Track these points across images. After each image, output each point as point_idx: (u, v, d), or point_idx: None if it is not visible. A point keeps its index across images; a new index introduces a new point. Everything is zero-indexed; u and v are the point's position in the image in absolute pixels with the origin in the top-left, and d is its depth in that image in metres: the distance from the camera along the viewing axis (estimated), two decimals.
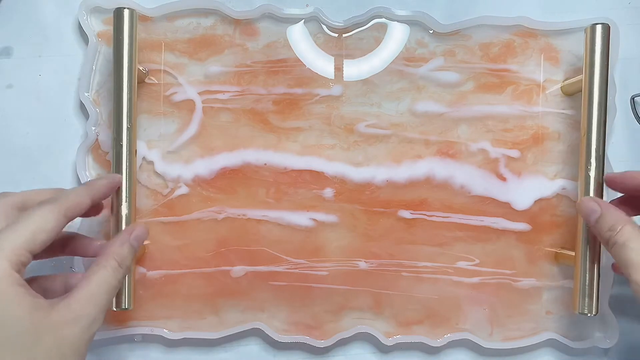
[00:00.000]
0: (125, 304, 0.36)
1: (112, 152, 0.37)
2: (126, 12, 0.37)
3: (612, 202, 0.38)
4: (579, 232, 0.37)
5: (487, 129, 0.42)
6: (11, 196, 0.33)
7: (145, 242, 0.41)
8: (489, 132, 0.42)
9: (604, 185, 0.37)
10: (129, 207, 0.37)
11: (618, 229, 0.33)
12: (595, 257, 0.37)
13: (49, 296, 0.31)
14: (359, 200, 0.41)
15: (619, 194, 0.38)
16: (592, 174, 0.37)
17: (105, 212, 0.37)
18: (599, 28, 0.37)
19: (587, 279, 0.37)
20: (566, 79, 0.42)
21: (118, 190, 0.37)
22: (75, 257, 0.40)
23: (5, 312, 0.27)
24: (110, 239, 0.36)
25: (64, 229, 0.32)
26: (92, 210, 0.36)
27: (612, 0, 0.43)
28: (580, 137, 0.38)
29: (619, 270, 0.36)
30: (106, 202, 0.37)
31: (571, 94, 0.41)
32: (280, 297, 0.41)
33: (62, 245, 0.35)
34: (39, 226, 0.29)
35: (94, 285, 0.30)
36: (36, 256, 0.31)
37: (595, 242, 0.37)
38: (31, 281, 0.33)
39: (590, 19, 0.40)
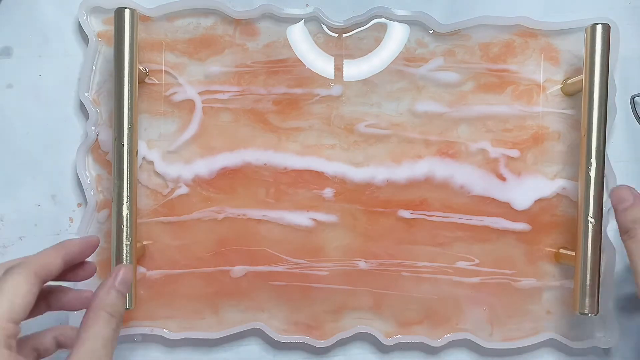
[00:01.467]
0: (127, 304, 0.36)
1: (113, 152, 0.37)
2: (127, 12, 0.37)
3: None
4: (580, 232, 0.37)
5: (487, 129, 0.42)
6: None
7: (146, 242, 0.41)
8: (489, 132, 0.42)
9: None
10: (130, 208, 0.37)
11: None
12: (596, 257, 0.37)
13: (42, 355, 0.30)
14: (359, 200, 0.41)
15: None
16: (593, 173, 0.37)
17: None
18: (599, 28, 0.37)
19: (588, 279, 0.37)
20: (566, 79, 0.42)
21: (119, 190, 0.37)
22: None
23: None
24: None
25: (49, 284, 0.31)
26: (72, 275, 0.34)
27: (612, 0, 0.43)
28: (580, 137, 0.38)
29: None
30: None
31: (571, 94, 0.41)
32: (280, 297, 0.41)
33: (45, 302, 0.34)
34: (14, 293, 0.28)
35: (89, 342, 0.29)
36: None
37: (596, 242, 0.37)
38: (20, 343, 0.32)
39: (590, 19, 0.40)
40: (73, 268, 0.34)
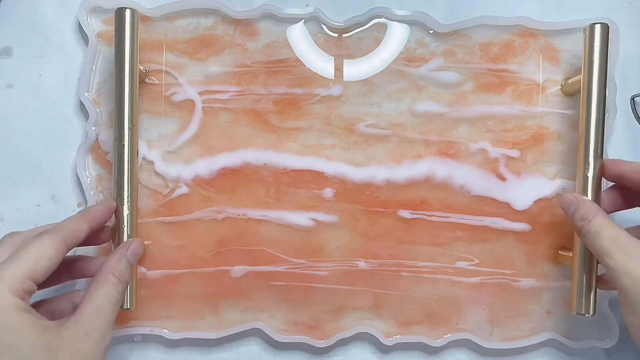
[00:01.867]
0: (127, 304, 0.36)
1: (114, 152, 0.37)
2: (128, 12, 0.37)
3: (605, 190, 0.38)
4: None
5: (487, 129, 0.42)
6: (17, 234, 0.34)
7: (146, 242, 0.41)
8: (489, 132, 0.42)
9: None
10: (131, 208, 0.37)
11: (589, 219, 0.34)
12: (593, 258, 0.37)
13: (58, 318, 0.32)
14: (359, 200, 0.41)
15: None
16: (590, 174, 0.37)
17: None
18: (597, 28, 0.37)
19: (585, 279, 0.37)
20: (566, 79, 0.42)
21: (119, 190, 0.37)
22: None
23: (16, 338, 0.28)
24: (112, 245, 0.37)
25: (69, 254, 0.33)
26: (95, 238, 0.37)
27: (612, 0, 0.43)
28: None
29: (601, 283, 0.37)
30: (108, 230, 0.38)
31: (571, 94, 0.41)
32: (280, 297, 0.41)
33: (67, 270, 0.36)
34: (39, 254, 0.30)
35: (98, 300, 0.32)
36: (44, 285, 0.32)
37: None
38: (37, 306, 0.34)
39: (590, 19, 0.40)
40: (95, 232, 0.36)
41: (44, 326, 0.29)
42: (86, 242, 0.35)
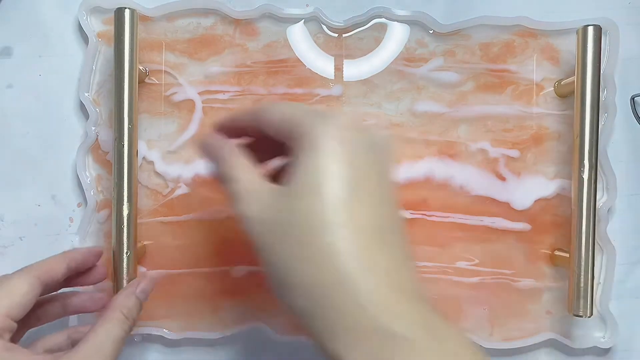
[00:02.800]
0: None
1: (114, 152, 0.37)
2: (127, 12, 0.37)
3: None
4: (573, 233, 0.37)
5: (487, 129, 0.42)
6: None
7: (146, 242, 0.41)
8: (489, 132, 0.42)
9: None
10: (130, 208, 0.37)
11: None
12: (590, 259, 0.37)
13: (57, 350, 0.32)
14: None
15: None
16: (585, 175, 0.37)
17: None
18: (590, 30, 0.37)
19: (582, 281, 0.37)
20: (558, 81, 0.41)
21: (119, 190, 0.37)
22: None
23: None
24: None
25: (64, 290, 0.34)
26: (86, 279, 0.36)
27: (612, 0, 0.43)
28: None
29: None
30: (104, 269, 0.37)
31: (564, 95, 0.41)
32: None
33: (62, 306, 0.36)
34: (11, 291, 0.30)
35: (100, 337, 0.30)
36: (37, 322, 0.33)
37: (590, 243, 0.37)
38: (34, 344, 0.34)
39: (590, 19, 0.40)
40: (83, 273, 0.36)
41: None
42: (75, 282, 0.35)
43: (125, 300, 0.33)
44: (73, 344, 0.34)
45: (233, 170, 0.29)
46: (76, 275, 0.35)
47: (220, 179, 0.30)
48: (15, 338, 0.31)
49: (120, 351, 0.31)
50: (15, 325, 0.30)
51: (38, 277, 0.31)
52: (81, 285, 0.36)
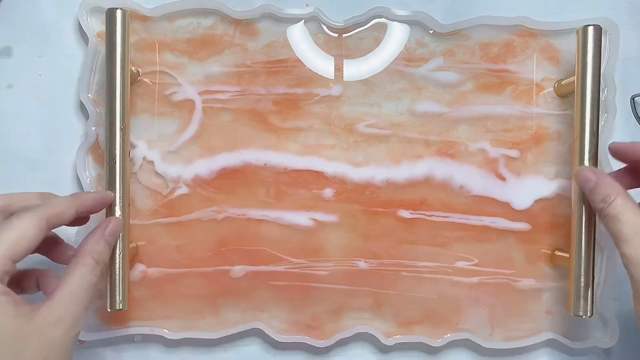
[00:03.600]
0: (119, 304, 0.36)
1: (106, 153, 0.37)
2: (119, 13, 0.37)
3: (616, 172, 0.38)
4: (574, 233, 0.37)
5: (487, 129, 0.42)
6: (2, 198, 0.33)
7: (140, 243, 0.41)
8: (489, 132, 0.42)
9: (610, 155, 0.37)
10: (123, 209, 0.36)
11: (610, 201, 0.33)
12: (590, 259, 0.37)
13: (24, 292, 0.32)
14: (359, 200, 0.41)
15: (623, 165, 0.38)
16: None
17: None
18: (590, 30, 0.37)
19: (582, 281, 0.37)
20: (558, 81, 0.41)
21: (111, 191, 0.36)
22: None
23: None
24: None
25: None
26: (77, 220, 0.35)
27: (612, 0, 0.43)
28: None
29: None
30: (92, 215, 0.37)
31: (564, 95, 0.41)
32: (280, 297, 0.41)
33: (45, 246, 0.35)
34: (21, 235, 0.29)
35: (73, 284, 0.31)
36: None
37: (590, 243, 0.37)
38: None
39: (590, 19, 0.40)
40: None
41: (18, 310, 0.29)
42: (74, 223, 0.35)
43: (95, 245, 0.33)
44: (38, 286, 0.34)
45: (619, 212, 0.32)
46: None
47: (598, 211, 0.33)
48: None
49: (94, 296, 0.32)
50: (15, 268, 0.30)
51: (48, 221, 0.31)
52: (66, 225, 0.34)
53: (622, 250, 0.32)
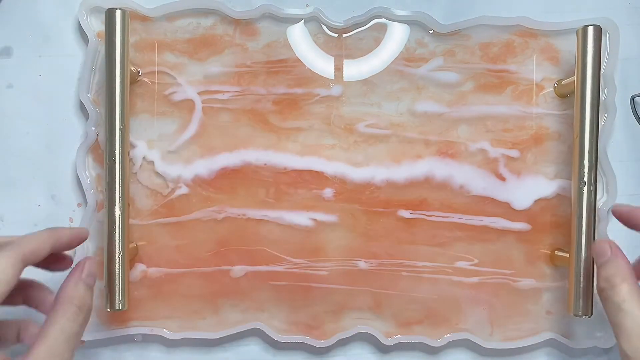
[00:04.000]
0: (118, 305, 0.36)
1: (105, 153, 0.37)
2: (118, 13, 0.37)
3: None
4: (573, 233, 0.37)
5: (487, 129, 0.42)
6: None
7: (140, 243, 0.41)
8: (489, 132, 0.42)
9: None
10: (122, 208, 0.37)
11: (615, 284, 0.31)
12: (590, 259, 0.37)
13: (3, 343, 0.30)
14: (359, 200, 0.41)
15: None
16: (585, 175, 0.37)
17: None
18: (590, 30, 0.37)
19: (582, 281, 0.37)
20: (558, 81, 0.41)
21: (111, 192, 0.36)
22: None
23: None
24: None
25: (31, 279, 0.31)
26: (57, 263, 0.34)
27: (612, 0, 0.43)
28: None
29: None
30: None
31: (564, 95, 0.41)
32: (280, 297, 0.41)
33: (18, 294, 0.33)
34: None
35: (52, 337, 0.29)
36: None
37: (590, 243, 0.37)
38: None
39: (590, 19, 0.40)
40: (54, 258, 0.33)
41: None
42: (42, 264, 0.32)
43: (74, 290, 0.31)
44: (19, 338, 0.33)
45: (623, 300, 0.29)
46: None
47: (599, 290, 0.31)
48: None
49: (79, 344, 0.30)
50: None
51: (24, 258, 0.29)
52: (44, 269, 0.33)
53: (621, 346, 0.29)
